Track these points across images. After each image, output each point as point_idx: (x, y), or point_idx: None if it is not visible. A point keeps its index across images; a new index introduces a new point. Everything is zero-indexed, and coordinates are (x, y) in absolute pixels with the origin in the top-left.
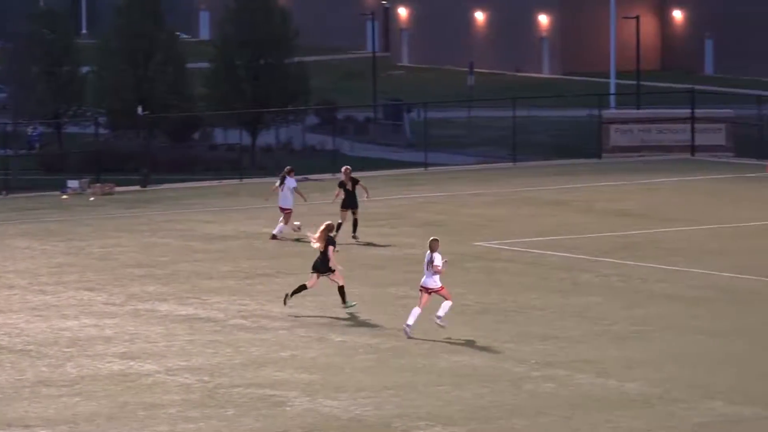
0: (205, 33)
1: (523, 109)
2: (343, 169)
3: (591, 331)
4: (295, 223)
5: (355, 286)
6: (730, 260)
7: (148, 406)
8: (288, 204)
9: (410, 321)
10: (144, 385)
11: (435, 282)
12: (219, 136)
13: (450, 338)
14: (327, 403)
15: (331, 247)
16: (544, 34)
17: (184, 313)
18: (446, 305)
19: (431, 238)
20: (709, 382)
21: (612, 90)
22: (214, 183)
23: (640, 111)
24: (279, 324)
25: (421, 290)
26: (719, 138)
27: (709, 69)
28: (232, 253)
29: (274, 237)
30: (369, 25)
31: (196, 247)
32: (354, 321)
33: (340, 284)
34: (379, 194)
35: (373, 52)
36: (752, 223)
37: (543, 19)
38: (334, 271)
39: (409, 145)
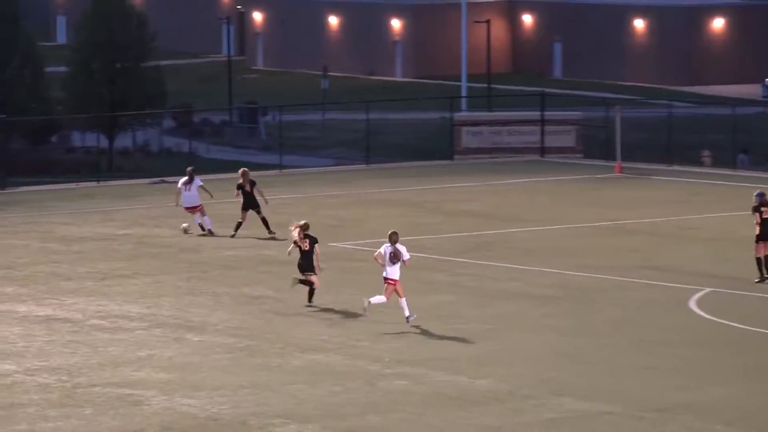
0: (62, 37)
1: (377, 112)
2: (240, 171)
3: (443, 329)
4: (183, 225)
5: (210, 286)
6: (577, 259)
7: (6, 406)
8: (195, 202)
9: (373, 300)
10: (3, 385)
11: (396, 273)
12: (77, 138)
13: (304, 337)
14: (184, 401)
15: (316, 246)
16: (397, 38)
17: (42, 314)
18: (403, 302)
19: (390, 231)
20: (558, 379)
21: (463, 93)
22: (72, 185)
23: (491, 113)
24: (136, 324)
25: (387, 282)
26: (568, 140)
27: (558, 72)
28: (90, 255)
29: (210, 232)
30: (225, 29)
31: (54, 248)
32: (210, 321)
33: (315, 286)
34: (231, 195)
35: (229, 55)
36: (600, 223)
37: (396, 24)
38: (314, 271)
39: (265, 147)
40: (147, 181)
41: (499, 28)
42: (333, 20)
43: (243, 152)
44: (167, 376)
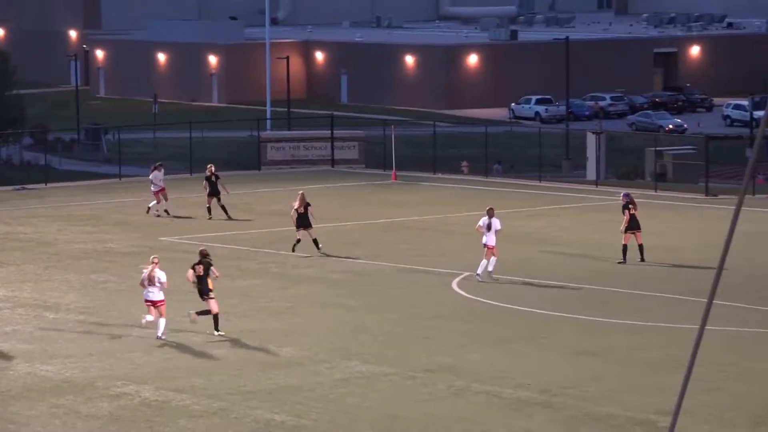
0: None
1: (198, 131)
2: (207, 167)
3: (254, 307)
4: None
5: (63, 273)
6: (363, 250)
7: None
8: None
9: (480, 269)
10: None
11: (492, 240)
12: None
13: (143, 315)
14: (43, 367)
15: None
16: (214, 71)
17: None
18: (493, 261)
19: (488, 207)
20: (348, 347)
21: (268, 115)
22: None
23: (291, 132)
24: (2, 305)
25: (486, 247)
26: (353, 153)
27: (344, 98)
28: None
29: (167, 213)
30: (73, 64)
31: None
32: (64, 301)
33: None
34: (81, 200)
35: (76, 85)
36: (379, 220)
37: (212, 59)
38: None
39: (106, 160)
40: (10, 188)
41: (296, 63)
42: (161, 57)
43: (89, 164)
44: (28, 347)
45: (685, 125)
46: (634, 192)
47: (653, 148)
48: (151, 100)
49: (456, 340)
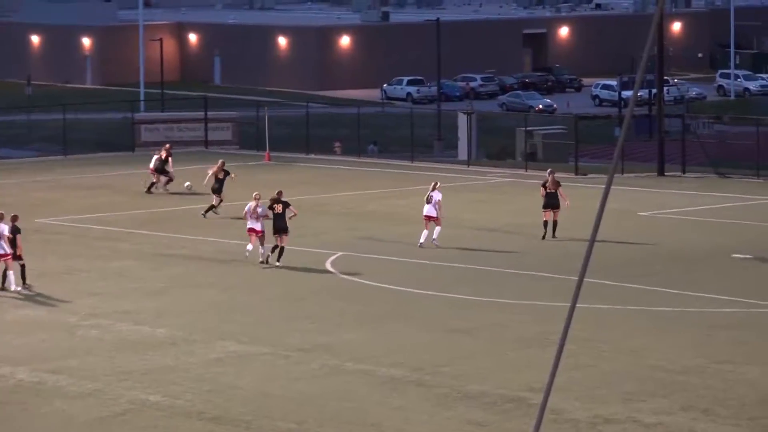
0: None
1: (72, 113)
2: (165, 146)
3: (128, 288)
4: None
5: None
6: (238, 230)
7: None
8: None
9: (435, 235)
10: None
11: (433, 211)
12: None
13: (15, 295)
14: None
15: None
16: (87, 53)
17: None
18: (437, 230)
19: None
20: (222, 327)
21: (142, 97)
22: None
23: (165, 113)
24: None
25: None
26: (227, 135)
27: (218, 80)
28: None
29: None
30: None
31: None
32: None
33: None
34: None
35: None
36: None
37: (86, 41)
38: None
39: None
40: None
41: (170, 45)
42: (35, 39)
43: None
44: None
45: (555, 105)
46: (503, 171)
47: (524, 128)
48: (25, 82)
49: (330, 319)
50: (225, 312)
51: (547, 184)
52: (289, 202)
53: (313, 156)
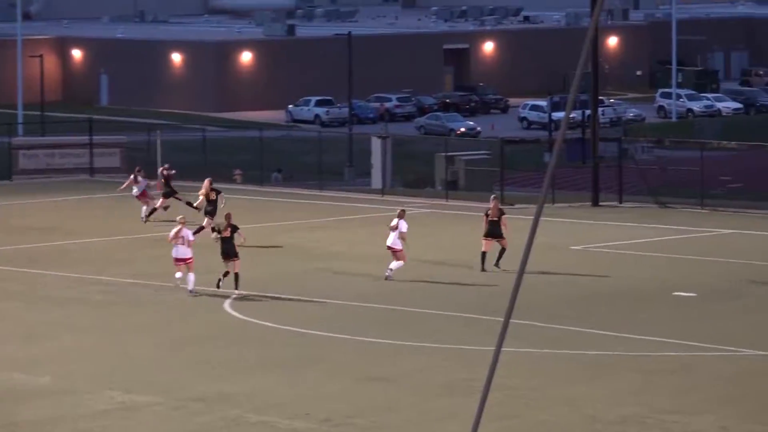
0: None
1: None
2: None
3: (9, 332)
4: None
5: None
6: (129, 268)
7: None
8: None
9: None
10: None
11: (396, 242)
12: None
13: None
14: None
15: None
16: None
17: None
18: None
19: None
20: (110, 374)
21: (20, 119)
22: None
23: (45, 138)
24: None
25: (389, 249)
26: (114, 161)
27: (104, 100)
28: None
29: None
30: None
31: None
32: None
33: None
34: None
35: None
36: (146, 235)
37: None
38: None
39: None
40: None
41: (51, 62)
42: None
43: None
44: None
45: (479, 128)
46: (422, 201)
47: (444, 154)
48: None
49: (229, 365)
50: (114, 358)
51: (489, 212)
52: (238, 227)
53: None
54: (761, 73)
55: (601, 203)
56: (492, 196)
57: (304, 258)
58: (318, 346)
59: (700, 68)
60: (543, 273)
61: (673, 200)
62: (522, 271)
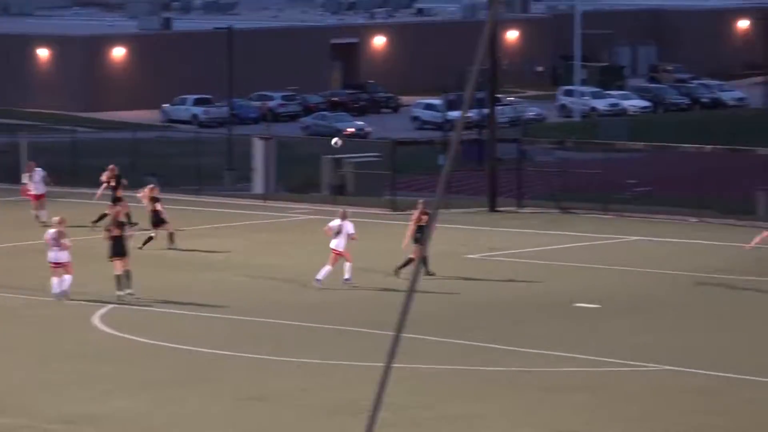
0: None
1: None
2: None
3: None
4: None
5: None
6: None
7: None
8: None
9: (321, 274)
10: None
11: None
12: None
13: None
14: None
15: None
16: None
17: None
18: (348, 266)
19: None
20: None
21: None
22: None
23: None
24: None
25: (333, 251)
26: None
27: None
28: None
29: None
30: None
31: None
32: None
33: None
34: None
35: None
36: (5, 245)
37: None
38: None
39: None
40: None
41: None
42: None
43: None
44: None
45: (369, 128)
46: (307, 207)
47: (331, 156)
48: None
49: (97, 385)
50: None
51: (415, 217)
52: (127, 222)
53: (83, 190)
54: (670, 68)
55: (498, 208)
56: (420, 201)
57: (182, 268)
58: (195, 364)
59: (605, 64)
60: (437, 283)
61: (575, 205)
62: (414, 282)
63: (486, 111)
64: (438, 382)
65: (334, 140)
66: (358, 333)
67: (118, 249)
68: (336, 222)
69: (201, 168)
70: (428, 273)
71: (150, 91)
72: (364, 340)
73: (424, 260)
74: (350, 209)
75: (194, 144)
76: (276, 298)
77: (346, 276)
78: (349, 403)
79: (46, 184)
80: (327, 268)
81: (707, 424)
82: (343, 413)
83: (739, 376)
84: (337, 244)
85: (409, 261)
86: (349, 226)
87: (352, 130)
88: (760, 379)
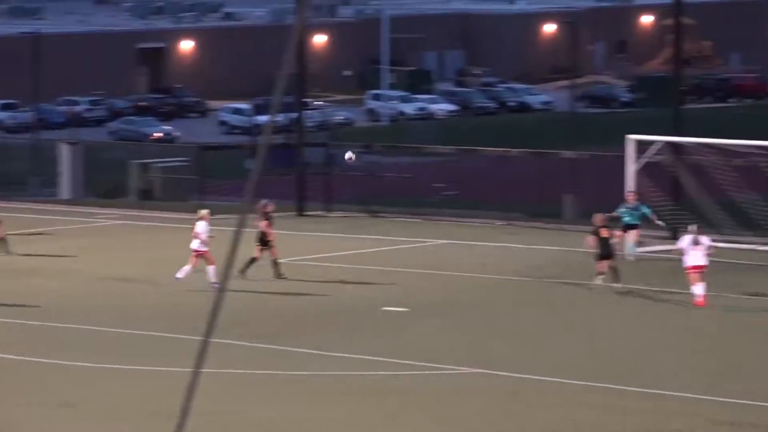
0: None
1: None
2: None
3: None
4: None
5: None
6: None
7: None
8: None
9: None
10: None
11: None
12: None
13: None
14: None
15: None
16: None
17: None
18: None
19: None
20: None
21: None
22: None
23: None
24: None
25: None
26: None
27: None
28: None
29: None
30: None
31: None
32: None
33: None
34: None
35: None
36: None
37: None
38: None
39: None
40: None
41: None
42: None
43: None
44: None
45: (176, 133)
46: (114, 212)
47: (138, 161)
48: None
49: None
50: None
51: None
52: None
53: None
54: (477, 72)
55: (307, 213)
56: (263, 202)
57: None
58: (5, 370)
59: (413, 68)
60: (248, 288)
61: (384, 209)
62: (224, 287)
63: (294, 115)
64: (247, 388)
65: (348, 155)
66: (172, 339)
67: None
68: (201, 224)
69: (7, 174)
70: (279, 275)
71: None
72: (176, 345)
73: (275, 263)
74: (158, 214)
75: (0, 149)
76: (82, 303)
77: (212, 280)
78: (157, 409)
79: None
80: (187, 268)
81: (515, 426)
82: (151, 419)
83: (544, 378)
84: (198, 245)
85: (252, 260)
86: (199, 227)
87: (160, 134)
88: (563, 380)
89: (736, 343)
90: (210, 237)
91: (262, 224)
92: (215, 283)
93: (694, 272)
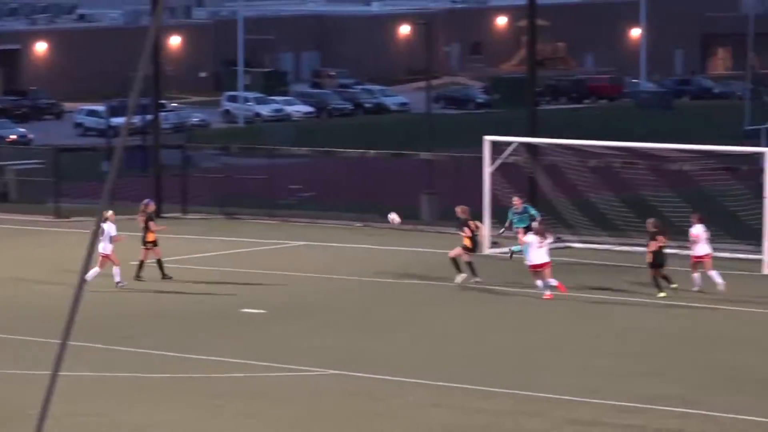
0: None
1: None
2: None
3: None
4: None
5: None
6: None
7: None
8: None
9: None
10: None
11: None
12: None
13: None
14: None
15: None
16: None
17: None
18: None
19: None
20: None
21: None
22: None
23: None
24: None
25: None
26: None
27: None
28: None
29: None
30: None
31: None
32: None
33: None
34: None
35: None
36: None
37: None
38: None
39: None
40: None
41: None
42: None
43: None
44: None
45: (31, 135)
46: None
47: None
48: None
49: None
50: None
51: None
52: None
53: None
54: (333, 74)
55: (164, 215)
56: (144, 202)
57: None
58: None
59: (268, 69)
60: (105, 290)
61: (240, 211)
62: (80, 289)
63: (150, 117)
64: (106, 390)
65: (390, 217)
66: (31, 342)
67: None
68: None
69: None
70: (165, 276)
71: None
72: (35, 348)
73: (159, 263)
74: (12, 216)
75: None
76: None
77: (117, 279)
78: (18, 412)
79: None
80: (95, 270)
81: (371, 427)
82: (13, 420)
83: (402, 379)
84: (103, 247)
85: (141, 264)
86: (110, 229)
87: (15, 137)
88: (421, 381)
89: (592, 340)
90: (116, 240)
91: (142, 221)
92: (120, 282)
93: (540, 269)
